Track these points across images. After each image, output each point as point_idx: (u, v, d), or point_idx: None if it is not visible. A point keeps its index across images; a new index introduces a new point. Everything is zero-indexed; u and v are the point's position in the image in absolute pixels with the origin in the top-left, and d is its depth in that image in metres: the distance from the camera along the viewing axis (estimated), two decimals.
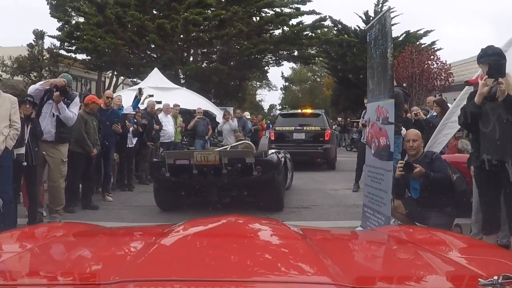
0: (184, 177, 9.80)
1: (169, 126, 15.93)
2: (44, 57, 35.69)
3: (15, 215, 7.97)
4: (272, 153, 11.09)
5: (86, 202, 10.64)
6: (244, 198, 10.26)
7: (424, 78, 29.79)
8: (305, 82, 76.72)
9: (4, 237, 2.63)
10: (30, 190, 8.73)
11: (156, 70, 23.27)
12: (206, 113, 18.68)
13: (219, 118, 19.70)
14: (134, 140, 13.50)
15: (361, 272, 2.03)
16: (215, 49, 36.67)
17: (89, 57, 35.76)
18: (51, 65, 35.25)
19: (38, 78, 31.02)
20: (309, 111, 22.31)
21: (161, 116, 15.76)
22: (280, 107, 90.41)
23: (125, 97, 15.01)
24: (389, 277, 1.91)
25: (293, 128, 19.68)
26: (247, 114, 24.25)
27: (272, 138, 19.85)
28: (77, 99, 9.39)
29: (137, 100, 14.69)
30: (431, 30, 41.84)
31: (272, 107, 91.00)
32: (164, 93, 17.94)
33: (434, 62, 30.53)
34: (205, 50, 37.15)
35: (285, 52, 37.90)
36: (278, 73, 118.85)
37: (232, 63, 36.78)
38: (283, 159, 11.05)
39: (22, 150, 8.17)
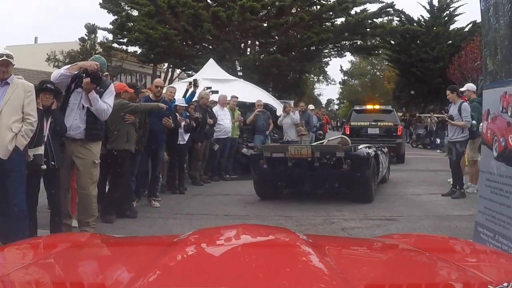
0: (280, 169, 10.51)
1: (225, 120, 14.35)
2: (97, 51, 34.72)
3: (30, 232, 6.28)
4: (362, 147, 11.38)
5: (121, 209, 8.95)
6: (335, 190, 10.87)
7: None
8: (365, 76, 75.30)
9: (12, 249, 2.62)
10: (51, 198, 7.09)
11: (211, 61, 21.70)
12: (266, 107, 17.13)
13: (280, 112, 18.01)
14: (187, 136, 11.97)
15: (370, 280, 2.04)
16: (273, 40, 34.85)
17: (141, 49, 34.34)
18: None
19: None
20: (381, 107, 24.06)
21: (216, 109, 14.23)
22: (338, 101, 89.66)
23: (180, 90, 13.53)
24: (399, 285, 1.94)
25: (368, 123, 20.94)
26: (311, 107, 22.37)
27: (347, 132, 20.41)
28: (112, 88, 7.55)
29: (192, 93, 13.08)
30: None
31: (329, 101, 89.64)
32: (220, 85, 16.40)
33: None
34: (263, 40, 35.32)
35: (347, 43, 35.89)
36: (337, 66, 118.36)
37: (292, 54, 34.91)
38: (373, 153, 11.28)
39: (41, 150, 6.52)
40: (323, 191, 11.03)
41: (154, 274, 1.89)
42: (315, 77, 66.56)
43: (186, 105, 11.95)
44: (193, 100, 13.10)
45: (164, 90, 11.18)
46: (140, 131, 9.07)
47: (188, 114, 12.02)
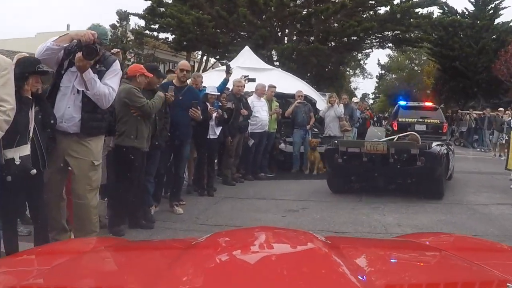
0: (355, 164, 10.64)
1: (262, 112, 12.80)
2: (128, 39, 33.75)
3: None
4: (436, 145, 11.31)
5: (134, 217, 7.36)
6: (407, 186, 10.93)
7: None
8: (402, 70, 73.32)
9: (33, 253, 2.74)
10: (33, 209, 5.56)
11: (247, 48, 20.37)
12: (305, 99, 15.57)
13: (320, 105, 16.70)
14: (218, 130, 10.42)
15: (390, 281, 2.00)
16: (312, 28, 32.80)
17: (172, 36, 32.83)
18: (136, 47, 33.94)
19: (122, 61, 28.80)
20: (428, 104, 24.99)
21: (252, 99, 12.77)
22: (373, 96, 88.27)
23: (213, 79, 12.25)
24: (418, 285, 1.94)
25: (415, 119, 21.80)
26: (355, 100, 20.73)
27: (395, 128, 21.24)
28: (116, 66, 5.75)
29: (224, 80, 11.44)
30: None
31: (364, 95, 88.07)
32: (256, 74, 14.81)
33: None
34: (301, 28, 33.37)
35: (390, 33, 33.92)
36: (374, 60, 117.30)
37: (331, 44, 33.12)
38: (445, 151, 11.47)
39: (27, 150, 4.91)
40: (394, 186, 11.22)
41: (171, 279, 1.91)
42: (351, 71, 65.45)
43: (219, 93, 10.35)
44: (225, 88, 11.60)
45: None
46: (160, 123, 7.46)
47: (221, 105, 10.47)
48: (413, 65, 71.96)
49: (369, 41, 35.84)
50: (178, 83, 8.53)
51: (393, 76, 76.94)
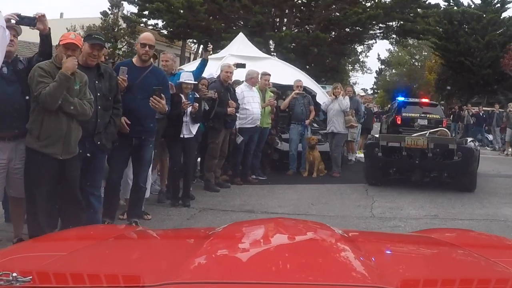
0: (395, 157, 11.06)
1: (253, 103, 10.86)
2: (120, 27, 32.63)
3: None
4: (470, 141, 11.99)
5: None
6: (443, 179, 11.31)
7: None
8: (403, 65, 72.23)
9: (49, 239, 2.83)
10: None
11: (241, 35, 18.59)
12: (305, 90, 13.73)
13: (320, 98, 14.85)
14: (194, 128, 8.40)
15: (406, 275, 2.06)
16: (313, 16, 30.67)
17: (162, 22, 30.82)
18: (127, 35, 32.20)
19: (113, 49, 28.37)
20: (426, 100, 26.20)
21: (242, 88, 10.92)
22: (372, 91, 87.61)
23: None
24: (434, 280, 1.89)
25: (418, 114, 22.80)
26: (361, 93, 18.95)
27: (399, 122, 22.43)
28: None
29: (202, 63, 9.42)
30: None
31: (364, 90, 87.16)
32: (250, 63, 13.03)
33: None
34: (301, 15, 31.30)
35: (395, 24, 32.02)
36: (374, 55, 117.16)
37: (333, 33, 31.14)
38: (478, 147, 12.18)
39: None
40: (429, 179, 11.45)
41: (188, 267, 1.93)
42: (349, 66, 63.93)
43: (195, 82, 8.32)
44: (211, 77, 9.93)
45: None
46: (104, 115, 5.42)
47: (198, 96, 8.50)
48: (413, 60, 70.69)
49: (372, 32, 33.99)
50: (139, 63, 6.51)
51: (393, 71, 75.95)
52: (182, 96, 7.75)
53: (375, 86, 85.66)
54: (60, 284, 1.85)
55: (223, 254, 2.18)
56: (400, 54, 71.28)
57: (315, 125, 14.48)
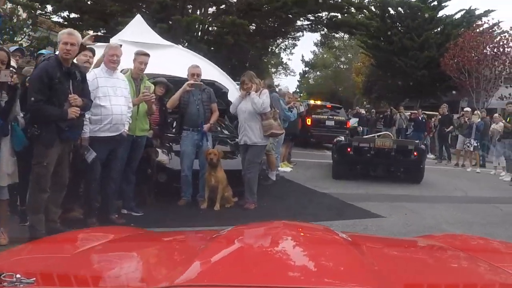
0: (365, 156, 13.24)
1: (114, 98, 6.98)
2: (20, 18, 27.44)
3: None
4: (421, 143, 15.35)
5: None
6: (396, 173, 13.73)
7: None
8: (328, 68, 70.61)
9: (54, 240, 2.85)
10: None
11: (139, 17, 15.09)
12: (212, 86, 10.44)
13: (234, 96, 10.92)
14: None
15: (409, 279, 2.05)
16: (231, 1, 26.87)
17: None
18: (26, 27, 27.51)
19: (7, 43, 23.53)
20: (331, 104, 27.56)
21: (96, 73, 7.00)
22: (295, 94, 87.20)
23: None
24: (437, 285, 1.93)
25: (326, 116, 24.21)
26: (283, 87, 15.94)
27: (309, 123, 22.93)
28: None
29: None
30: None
31: (287, 88, 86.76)
32: (149, 52, 8.82)
33: None
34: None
35: (324, 16, 28.86)
36: (298, 56, 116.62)
37: (253, 25, 27.24)
38: (425, 147, 15.61)
39: None
40: (383, 173, 13.80)
41: (192, 270, 1.92)
42: (272, 68, 61.51)
43: None
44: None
45: None
46: None
47: None
48: (338, 63, 69.20)
49: (300, 23, 30.82)
50: None
51: (318, 73, 74.48)
52: None
53: (298, 90, 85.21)
54: (63, 285, 1.87)
55: (227, 257, 2.17)
56: (325, 56, 69.60)
57: (226, 132, 11.20)
